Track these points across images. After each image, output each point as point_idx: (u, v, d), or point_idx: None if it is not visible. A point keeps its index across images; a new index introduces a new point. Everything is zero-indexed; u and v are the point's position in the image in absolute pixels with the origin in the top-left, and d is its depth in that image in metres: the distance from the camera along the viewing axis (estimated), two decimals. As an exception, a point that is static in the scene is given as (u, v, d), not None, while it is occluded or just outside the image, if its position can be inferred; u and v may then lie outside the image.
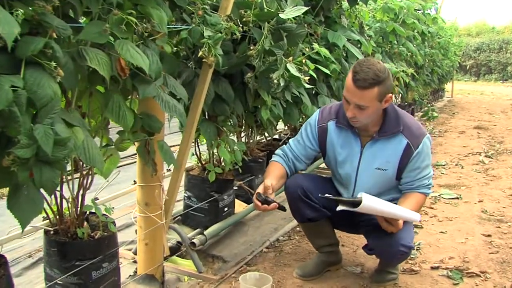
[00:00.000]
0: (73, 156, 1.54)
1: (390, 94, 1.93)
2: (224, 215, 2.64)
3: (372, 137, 2.05)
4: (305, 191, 2.09)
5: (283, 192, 2.29)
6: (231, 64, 2.21)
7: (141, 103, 1.82)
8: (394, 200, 2.06)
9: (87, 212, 1.76)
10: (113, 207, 1.86)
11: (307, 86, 2.50)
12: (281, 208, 1.95)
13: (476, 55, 23.18)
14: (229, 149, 2.44)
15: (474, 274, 2.32)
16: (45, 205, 1.56)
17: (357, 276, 2.29)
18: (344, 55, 3.39)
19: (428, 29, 6.42)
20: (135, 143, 1.76)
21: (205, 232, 2.44)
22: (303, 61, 2.52)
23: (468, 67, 23.26)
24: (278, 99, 2.62)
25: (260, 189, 1.94)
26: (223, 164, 2.55)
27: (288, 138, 3.31)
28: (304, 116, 3.00)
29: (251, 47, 2.18)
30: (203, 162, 2.69)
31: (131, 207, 2.82)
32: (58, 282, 1.59)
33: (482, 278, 2.30)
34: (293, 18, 2.30)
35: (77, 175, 1.66)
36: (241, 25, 2.07)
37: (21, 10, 1.16)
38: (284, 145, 2.25)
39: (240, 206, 2.91)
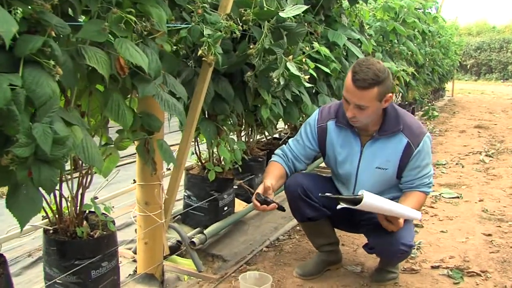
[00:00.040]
0: (72, 155, 1.54)
1: (390, 94, 1.92)
2: (224, 214, 2.63)
3: (372, 136, 2.04)
4: (305, 190, 2.09)
5: (283, 192, 2.28)
6: (231, 63, 2.20)
7: (141, 102, 1.82)
8: (395, 199, 2.06)
9: (87, 211, 1.76)
10: (113, 206, 1.86)
11: (307, 85, 2.50)
12: (281, 208, 1.94)
13: (477, 55, 23.17)
14: (229, 148, 2.44)
15: (475, 274, 2.32)
16: (45, 204, 1.55)
17: (357, 275, 2.29)
18: (345, 54, 3.38)
19: (428, 28, 6.42)
20: (135, 142, 1.76)
21: (205, 231, 2.44)
22: (303, 60, 2.51)
23: (468, 66, 23.25)
24: (278, 98, 2.62)
25: (259, 189, 1.94)
26: (223, 163, 2.55)
27: (288, 137, 3.30)
28: (304, 115, 2.99)
29: (251, 46, 2.18)
30: (203, 161, 2.69)
31: (131, 206, 2.82)
32: (58, 281, 1.58)
33: (483, 277, 2.29)
34: (293, 17, 2.30)
35: (77, 174, 1.66)
36: (241, 24, 2.06)
37: (20, 9, 1.16)
38: (283, 145, 2.25)
39: (240, 205, 2.91)
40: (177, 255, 2.35)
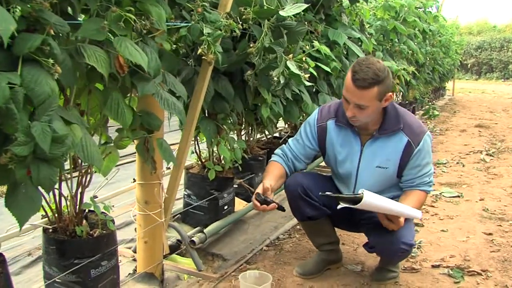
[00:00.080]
0: (71, 154, 1.54)
1: (390, 93, 1.92)
2: (224, 213, 2.63)
3: (372, 135, 2.04)
4: (305, 190, 2.09)
5: (283, 191, 2.28)
6: (231, 61, 2.20)
7: (141, 101, 1.82)
8: (395, 198, 2.06)
9: (86, 210, 1.76)
10: (113, 205, 1.86)
11: (308, 83, 2.49)
12: (280, 208, 1.94)
13: (478, 54, 23.14)
14: (229, 147, 2.43)
15: (475, 273, 2.31)
16: (44, 203, 1.55)
17: (358, 274, 2.28)
18: (345, 53, 3.38)
19: (429, 27, 6.41)
20: (134, 141, 1.75)
21: (204, 230, 2.43)
22: (304, 58, 2.51)
23: (469, 65, 23.23)
24: (278, 97, 2.61)
25: (259, 189, 1.94)
26: (223, 162, 2.55)
27: (289, 136, 3.30)
28: (304, 114, 2.99)
29: (251, 45, 2.17)
30: (203, 160, 2.68)
31: (131, 205, 2.82)
32: (57, 280, 1.58)
33: (483, 276, 2.29)
34: (293, 15, 2.29)
35: (77, 173, 1.66)
36: (240, 23, 2.05)
37: (19, 7, 1.15)
38: (283, 145, 2.24)
39: (240, 204, 2.90)
40: (177, 254, 2.35)
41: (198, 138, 2.61)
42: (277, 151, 2.21)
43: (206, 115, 2.38)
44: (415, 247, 2.43)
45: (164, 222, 2.04)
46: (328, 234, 2.29)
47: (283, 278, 2.21)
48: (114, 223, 1.72)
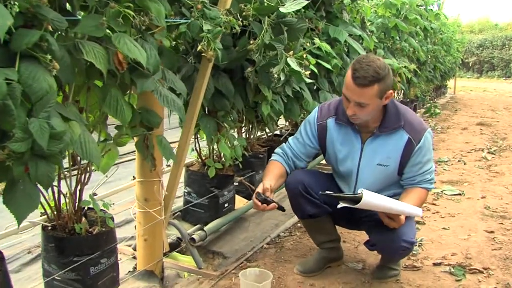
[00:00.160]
0: (70, 151, 1.53)
1: (391, 91, 1.91)
2: (224, 211, 2.62)
3: (372, 133, 2.03)
4: (306, 187, 2.08)
5: (283, 189, 2.27)
6: (231, 58, 2.19)
7: (140, 98, 1.81)
8: (395, 196, 2.05)
9: (85, 208, 1.75)
10: (113, 203, 1.85)
11: (308, 81, 2.48)
12: (280, 208, 1.94)
13: (479, 52, 23.12)
14: (229, 145, 2.43)
15: (477, 271, 2.30)
16: (43, 201, 1.54)
17: (359, 272, 2.28)
18: (346, 50, 3.37)
19: (430, 25, 6.39)
20: (134, 138, 1.75)
21: (205, 228, 2.43)
22: (304, 55, 2.50)
23: (470, 64, 23.20)
24: (278, 94, 2.60)
25: (259, 189, 1.93)
26: (223, 159, 2.54)
27: (289, 134, 3.30)
28: (305, 112, 2.98)
29: (251, 42, 2.16)
30: (203, 158, 2.67)
31: (131, 203, 2.81)
32: (56, 278, 1.57)
33: (485, 274, 2.28)
34: (293, 12, 2.28)
35: (76, 171, 1.65)
36: (241, 19, 2.04)
37: (16, 3, 1.15)
38: (283, 144, 2.24)
39: (240, 202, 2.89)
40: (177, 252, 2.34)
41: (198, 135, 2.60)
42: (277, 150, 2.20)
43: (206, 112, 2.37)
44: (416, 245, 2.42)
45: (164, 220, 2.03)
46: (329, 232, 2.28)
47: (284, 276, 2.21)
48: (113, 220, 1.71)
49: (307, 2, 2.29)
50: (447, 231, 2.83)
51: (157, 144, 1.75)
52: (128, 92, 1.68)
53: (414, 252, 2.44)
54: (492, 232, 2.83)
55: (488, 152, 5.25)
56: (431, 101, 9.42)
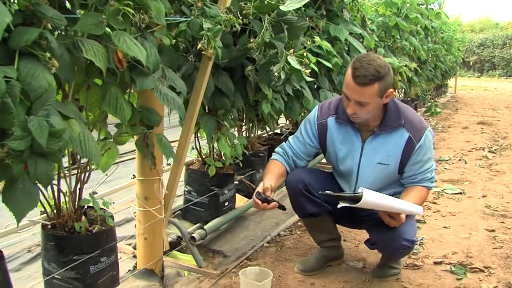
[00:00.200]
0: (70, 149, 1.53)
1: (391, 89, 1.90)
2: (225, 210, 2.62)
3: (373, 131, 2.02)
4: (306, 186, 2.07)
5: (284, 188, 2.27)
6: (231, 57, 2.18)
7: (140, 96, 1.81)
8: (396, 194, 2.04)
9: (85, 206, 1.75)
10: (113, 202, 1.85)
11: (309, 79, 2.47)
12: (281, 207, 1.94)
13: (480, 51, 23.09)
14: (229, 143, 2.42)
15: (478, 270, 2.30)
16: (43, 199, 1.54)
17: (359, 271, 2.27)
18: (346, 49, 3.36)
19: (431, 24, 6.38)
20: (134, 136, 1.74)
21: (205, 227, 2.43)
22: (304, 54, 2.49)
23: (471, 63, 23.18)
24: (279, 93, 2.60)
25: (259, 188, 1.93)
26: (223, 158, 2.54)
27: (290, 133, 3.29)
28: (305, 110, 2.97)
29: (252, 40, 2.16)
30: (203, 156, 2.67)
31: (131, 201, 2.80)
32: (56, 276, 1.57)
33: (486, 273, 2.27)
34: (294, 10, 2.28)
35: (76, 170, 1.65)
36: (241, 18, 2.04)
37: (15, 0, 1.14)
38: (283, 143, 2.23)
39: (241, 201, 2.89)
40: (177, 250, 2.34)
41: (198, 134, 2.60)
42: (278, 149, 2.20)
43: (206, 111, 2.37)
44: (417, 244, 2.41)
45: (164, 219, 2.03)
46: (330, 231, 2.27)
47: (284, 275, 2.20)
48: (113, 219, 1.71)
49: (307, 0, 2.28)
50: (448, 230, 2.83)
51: (157, 142, 1.75)
52: (128, 90, 1.68)
53: (414, 251, 2.44)
54: (493, 231, 2.82)
55: (489, 151, 5.24)
56: (432, 100, 9.41)
